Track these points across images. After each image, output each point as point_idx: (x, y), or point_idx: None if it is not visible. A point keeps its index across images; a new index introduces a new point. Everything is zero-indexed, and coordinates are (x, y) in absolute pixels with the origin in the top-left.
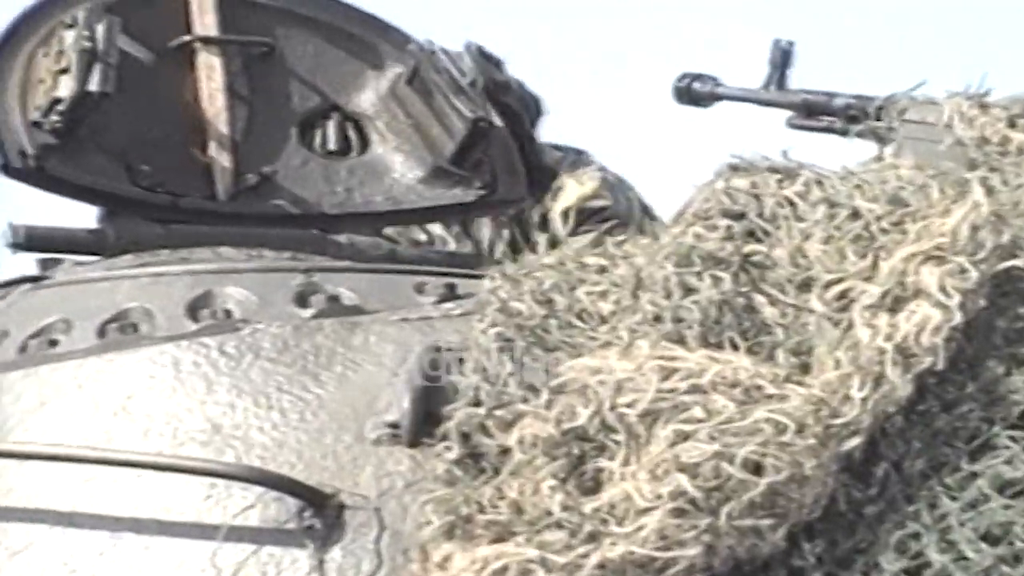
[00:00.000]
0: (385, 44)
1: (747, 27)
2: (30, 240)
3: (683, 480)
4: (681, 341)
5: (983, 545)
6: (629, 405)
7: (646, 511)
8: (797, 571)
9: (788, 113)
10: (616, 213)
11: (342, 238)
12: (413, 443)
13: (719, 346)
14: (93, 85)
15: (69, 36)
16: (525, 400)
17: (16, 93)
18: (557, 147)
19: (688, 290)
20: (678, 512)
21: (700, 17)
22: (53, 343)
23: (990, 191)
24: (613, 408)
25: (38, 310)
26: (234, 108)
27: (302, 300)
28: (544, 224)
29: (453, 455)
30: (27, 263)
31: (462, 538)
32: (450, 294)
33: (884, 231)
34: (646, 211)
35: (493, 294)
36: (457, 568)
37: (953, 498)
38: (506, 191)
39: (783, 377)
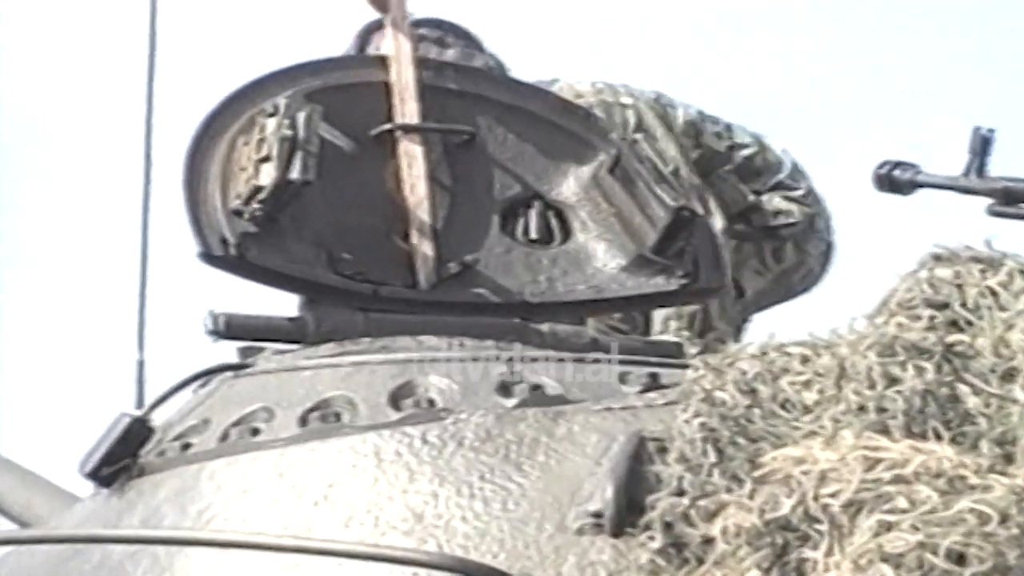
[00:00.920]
0: (587, 133)
1: (946, 115)
2: (230, 328)
3: (887, 571)
4: (885, 431)
5: None
6: (833, 495)
7: None
8: None
9: (989, 200)
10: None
11: (544, 327)
12: (616, 533)
13: (923, 436)
14: (294, 173)
15: (270, 124)
16: (729, 490)
17: (217, 181)
18: None
19: (892, 380)
20: None
21: (899, 104)
22: (255, 432)
23: None
24: (817, 498)
25: (239, 399)
26: (436, 196)
27: (505, 390)
28: None
29: (656, 545)
30: (228, 351)
31: None
32: (653, 384)
33: None
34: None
35: (697, 384)
36: None
37: None
38: (708, 280)
39: (987, 467)
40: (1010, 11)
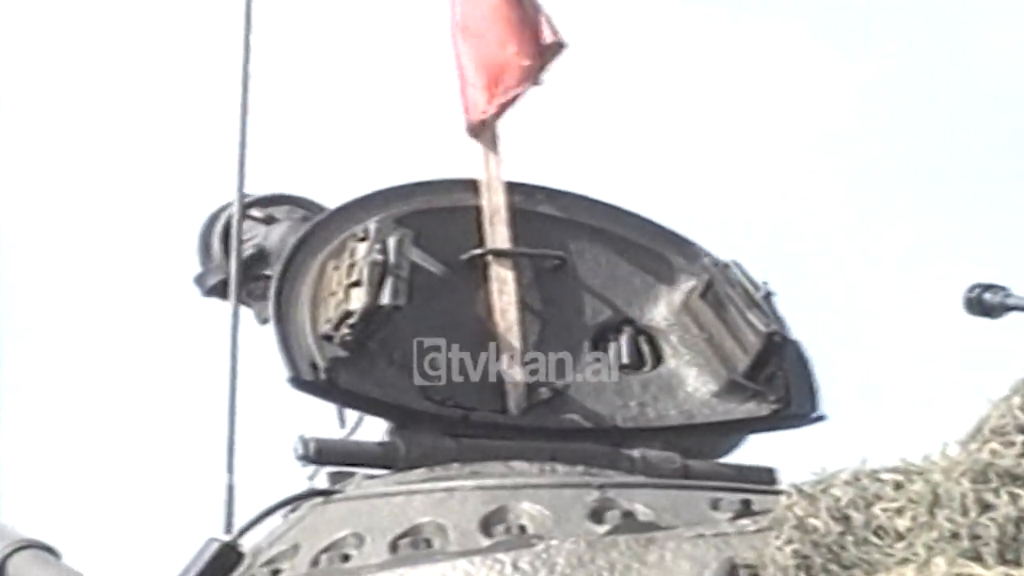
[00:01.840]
0: (678, 257)
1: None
2: (320, 453)
3: None
4: (978, 558)
5: None
6: None
7: None
8: None
9: None
10: None
11: (635, 452)
12: None
13: (1016, 563)
14: (385, 298)
15: (360, 249)
16: None
17: (307, 306)
18: None
19: (985, 507)
20: None
21: (988, 229)
22: (345, 558)
23: None
24: None
25: (329, 524)
26: (526, 321)
27: (597, 516)
28: None
29: None
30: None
31: None
32: (745, 510)
33: None
34: None
35: (789, 511)
36: None
37: None
38: (799, 405)
39: None
40: None
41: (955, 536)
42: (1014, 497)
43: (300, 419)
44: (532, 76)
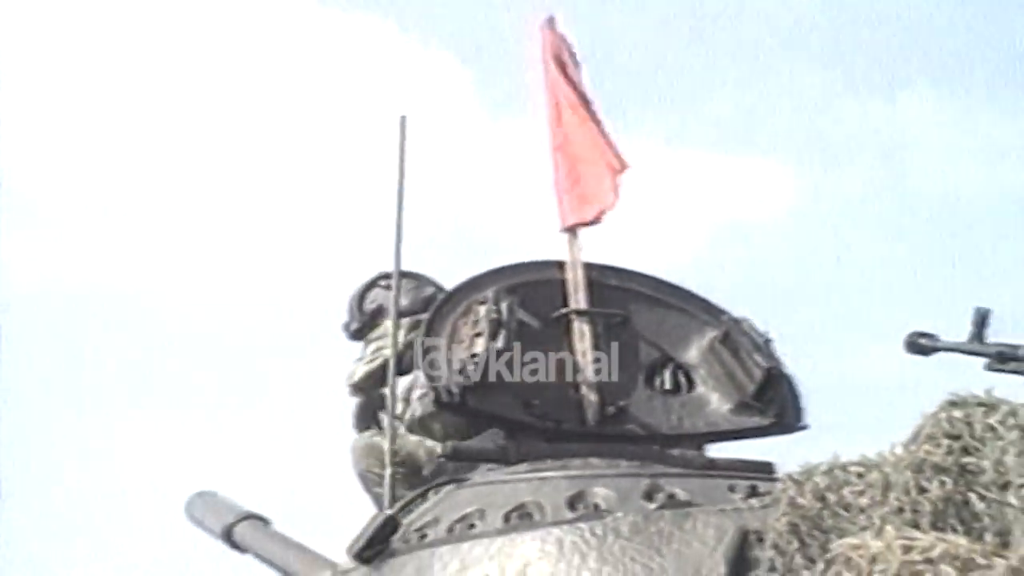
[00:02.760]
0: (706, 315)
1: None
2: (456, 453)
3: None
4: (917, 526)
5: None
6: (882, 572)
7: None
8: None
9: (986, 360)
10: None
11: (675, 452)
12: None
13: (943, 530)
14: (499, 344)
15: (482, 310)
16: (807, 568)
17: (445, 350)
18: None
19: (922, 490)
20: None
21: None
22: (472, 526)
23: None
24: (870, 574)
25: (461, 503)
26: (599, 360)
27: (649, 496)
28: None
29: None
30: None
31: None
32: (753, 492)
33: None
34: None
35: (784, 492)
36: None
37: None
38: (790, 419)
39: (990, 552)
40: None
41: (901, 511)
42: (942, 483)
43: None
44: (616, 195)
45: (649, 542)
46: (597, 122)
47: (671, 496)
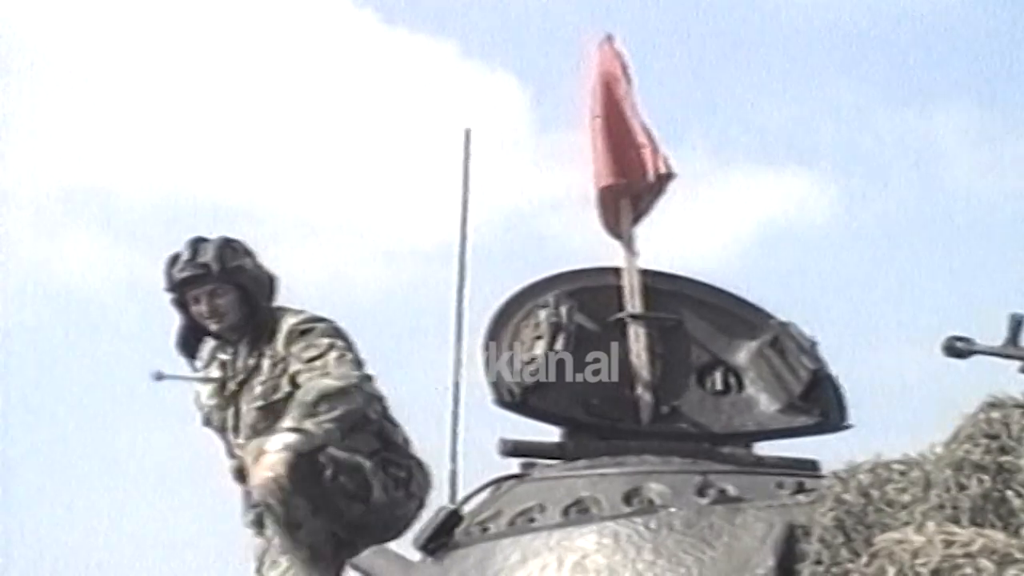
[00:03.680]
0: (755, 319)
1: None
2: (515, 450)
3: None
4: (956, 522)
5: None
6: (923, 565)
7: None
8: None
9: (1020, 363)
10: None
11: (726, 450)
12: None
13: (982, 525)
14: (558, 346)
15: (542, 314)
16: (851, 561)
17: (507, 352)
18: None
19: (962, 487)
20: None
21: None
22: (532, 520)
23: None
24: (912, 567)
25: (522, 497)
26: (653, 362)
27: (701, 492)
28: None
29: None
30: (512, 466)
31: None
32: (800, 488)
33: None
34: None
35: (830, 489)
36: None
37: None
38: (835, 418)
39: None
40: None
41: (941, 507)
42: (981, 481)
43: (502, 427)
44: (654, 197)
45: (701, 536)
46: (645, 128)
47: (722, 492)
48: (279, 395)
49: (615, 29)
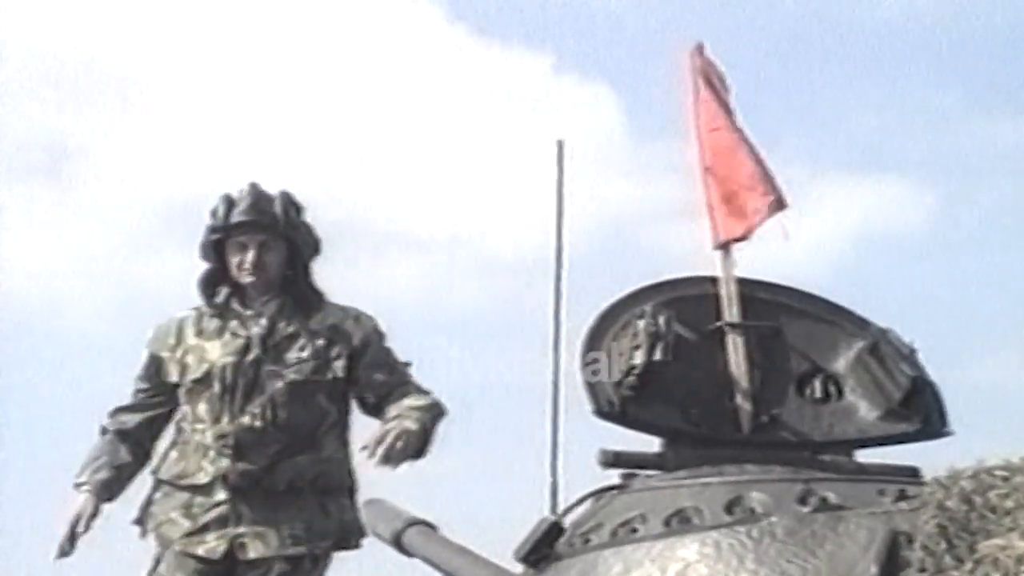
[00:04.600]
0: (853, 326)
1: None
2: (616, 460)
3: None
4: None
5: None
6: None
7: None
8: None
9: None
10: None
11: (827, 458)
12: None
13: None
14: (657, 356)
15: (640, 323)
16: (955, 568)
17: (605, 362)
18: None
19: None
20: None
21: None
22: (634, 530)
23: None
24: (1016, 574)
25: (623, 508)
26: (752, 371)
27: (803, 500)
28: None
29: None
30: (613, 477)
31: None
32: (902, 496)
33: None
34: None
35: (932, 496)
36: None
37: None
38: (935, 425)
39: None
40: None
41: None
42: None
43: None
44: (772, 211)
45: (803, 544)
46: (751, 149)
47: (824, 500)
48: (326, 376)
49: (707, 38)
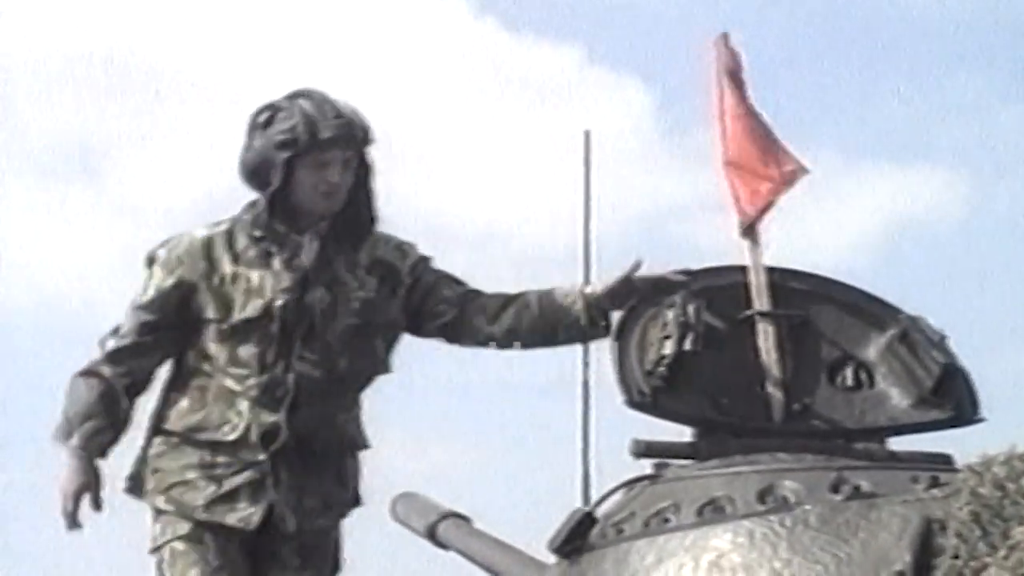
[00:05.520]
0: (883, 315)
1: None
2: (648, 450)
3: None
4: None
5: None
6: None
7: None
8: None
9: None
10: None
11: (859, 445)
12: None
13: None
14: (687, 346)
15: (670, 313)
16: (989, 555)
17: (635, 353)
18: None
19: None
20: None
21: None
22: (666, 520)
23: None
24: None
25: (656, 498)
26: (783, 359)
27: (835, 488)
28: None
29: None
30: (645, 467)
31: None
32: (935, 483)
33: None
34: None
35: (965, 483)
36: None
37: None
38: (967, 412)
39: None
40: None
41: None
42: None
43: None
44: (784, 185)
45: (837, 532)
46: (767, 132)
47: (856, 488)
48: (385, 318)
49: (738, 28)
